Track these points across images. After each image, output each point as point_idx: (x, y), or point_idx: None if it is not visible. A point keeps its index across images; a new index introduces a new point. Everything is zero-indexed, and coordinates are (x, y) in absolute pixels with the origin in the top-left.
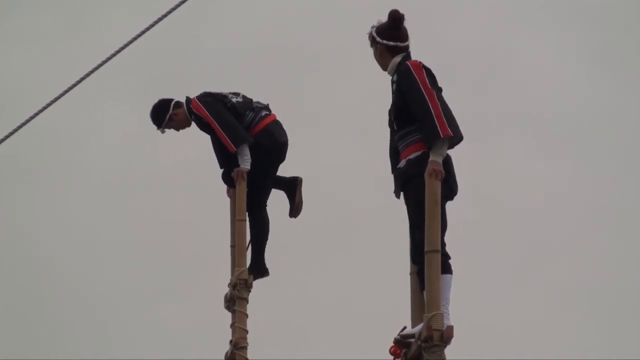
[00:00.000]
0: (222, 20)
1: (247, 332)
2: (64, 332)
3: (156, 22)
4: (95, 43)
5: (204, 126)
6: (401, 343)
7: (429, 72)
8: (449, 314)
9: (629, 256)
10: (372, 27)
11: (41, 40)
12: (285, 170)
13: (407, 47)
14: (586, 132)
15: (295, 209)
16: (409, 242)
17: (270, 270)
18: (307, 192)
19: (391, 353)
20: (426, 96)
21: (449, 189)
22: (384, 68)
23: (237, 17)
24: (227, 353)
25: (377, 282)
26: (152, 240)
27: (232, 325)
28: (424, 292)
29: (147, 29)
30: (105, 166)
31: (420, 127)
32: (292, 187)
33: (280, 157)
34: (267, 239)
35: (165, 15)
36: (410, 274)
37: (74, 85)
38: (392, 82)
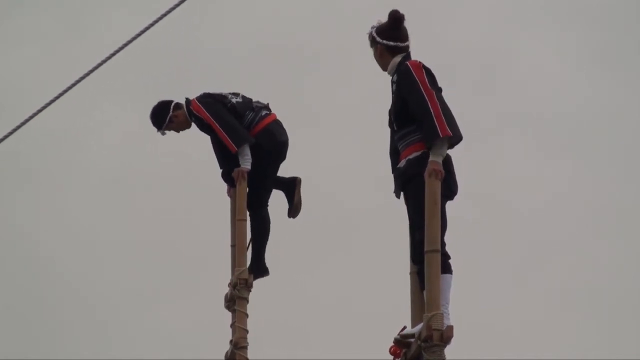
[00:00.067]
0: (222, 20)
1: (247, 331)
2: (64, 332)
3: (156, 22)
4: (95, 43)
5: (205, 127)
6: (401, 343)
7: (428, 72)
8: (448, 314)
9: (629, 256)
10: (372, 27)
11: (41, 40)
12: (285, 170)
13: (407, 47)
14: (586, 132)
15: (294, 209)
16: (409, 242)
17: (270, 270)
18: (307, 192)
19: (391, 353)
20: (426, 96)
21: (449, 189)
22: (384, 68)
23: (237, 17)
24: (227, 353)
25: (377, 282)
26: (152, 240)
27: (232, 325)
28: (424, 292)
29: (147, 28)
30: (105, 166)
31: (420, 127)
32: (291, 187)
33: (281, 156)
34: (267, 238)
35: (164, 15)
36: (410, 273)
37: (74, 85)
38: (392, 82)
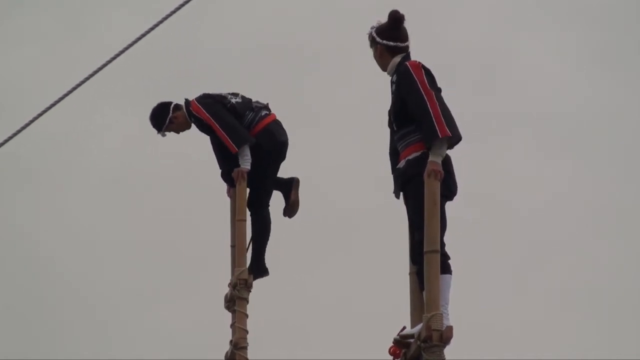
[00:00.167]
0: (222, 20)
1: (247, 332)
2: (64, 332)
3: (159, 24)
4: (95, 43)
5: (204, 128)
6: (400, 343)
7: (428, 72)
8: (448, 314)
9: (629, 256)
10: (372, 28)
11: (41, 41)
12: (285, 170)
13: (407, 47)
14: (586, 132)
15: (289, 209)
16: (408, 242)
17: (270, 270)
18: (306, 192)
19: (390, 353)
20: (425, 96)
21: (449, 189)
22: (384, 68)
23: (237, 17)
24: (227, 353)
25: (377, 282)
26: (152, 240)
27: (232, 326)
28: (424, 292)
29: (151, 29)
30: (105, 166)
31: (420, 128)
32: (288, 187)
33: (281, 156)
34: (268, 239)
35: (168, 16)
36: (410, 274)
37: (76, 87)
38: (392, 82)
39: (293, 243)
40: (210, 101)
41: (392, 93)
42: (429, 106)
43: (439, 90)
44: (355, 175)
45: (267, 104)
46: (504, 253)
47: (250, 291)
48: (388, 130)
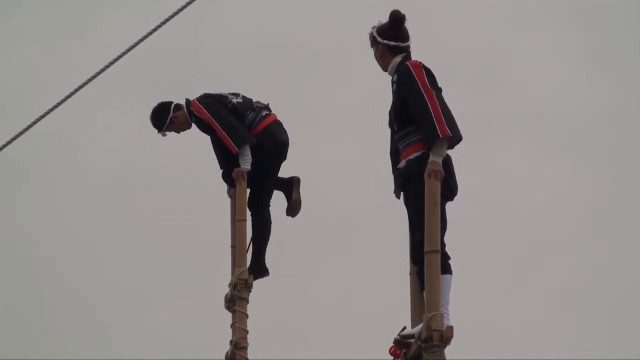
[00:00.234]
0: (222, 20)
1: (247, 332)
2: (64, 332)
3: (161, 25)
4: (95, 43)
5: (205, 127)
6: (401, 343)
7: (428, 72)
8: (448, 314)
9: (629, 256)
10: (373, 28)
11: (41, 40)
12: (285, 170)
13: (408, 47)
14: (586, 132)
15: (292, 208)
16: (408, 242)
17: (270, 270)
18: (306, 192)
19: (391, 353)
20: (425, 96)
21: (449, 189)
22: (385, 68)
23: (237, 17)
24: (227, 353)
25: (377, 282)
26: (152, 240)
27: (232, 326)
28: (424, 293)
29: (153, 31)
30: (105, 166)
31: (420, 128)
32: (289, 187)
33: (282, 156)
34: (268, 239)
35: (170, 18)
36: (410, 274)
37: (77, 90)
38: (392, 82)
39: (293, 243)
40: (211, 101)
41: (393, 93)
42: (429, 106)
43: (439, 90)
44: (355, 175)
45: (268, 104)
46: (504, 253)
47: (250, 291)
48: (388, 130)
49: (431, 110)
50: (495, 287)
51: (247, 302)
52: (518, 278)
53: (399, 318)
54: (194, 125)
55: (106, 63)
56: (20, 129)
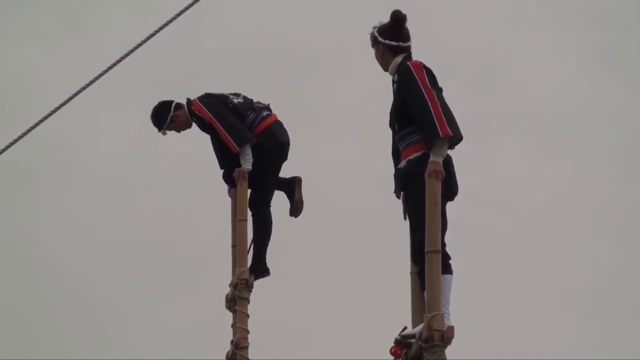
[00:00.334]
0: (222, 20)
1: (248, 332)
2: (64, 332)
3: (164, 26)
4: (95, 43)
5: (206, 127)
6: (402, 343)
7: (429, 72)
8: (449, 314)
9: (629, 256)
10: (374, 28)
11: (41, 40)
12: (285, 170)
13: (409, 47)
14: (586, 132)
15: (295, 208)
16: (409, 242)
17: (271, 270)
18: (307, 192)
19: (392, 353)
20: (426, 96)
21: (449, 189)
22: (385, 68)
23: (237, 17)
24: (228, 353)
25: (377, 282)
26: (152, 240)
27: (233, 325)
28: (425, 293)
29: (155, 32)
30: (105, 166)
31: (421, 128)
32: (291, 186)
33: (282, 157)
34: (269, 239)
35: (172, 20)
36: (411, 274)
37: (79, 92)
38: (393, 82)
39: (294, 243)
40: (213, 101)
41: (394, 93)
42: (430, 106)
43: (440, 90)
44: (355, 175)
45: (269, 104)
46: (504, 253)
47: (251, 291)
48: (388, 130)
49: (432, 110)
50: (495, 287)
51: (248, 302)
52: (518, 278)
53: (400, 318)
54: (194, 125)
55: (106, 63)
56: (21, 130)
